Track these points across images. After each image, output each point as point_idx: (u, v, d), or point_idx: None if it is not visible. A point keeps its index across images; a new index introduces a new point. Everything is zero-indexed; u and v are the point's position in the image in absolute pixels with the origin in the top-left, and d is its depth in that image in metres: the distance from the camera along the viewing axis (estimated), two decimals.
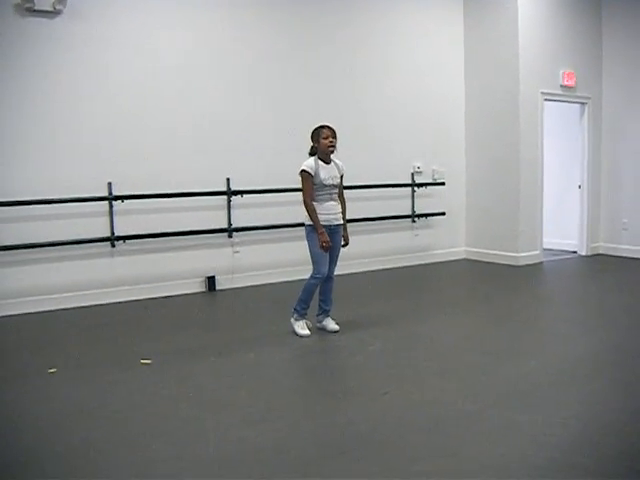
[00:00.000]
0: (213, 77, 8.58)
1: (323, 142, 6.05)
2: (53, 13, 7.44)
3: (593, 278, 9.70)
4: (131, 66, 7.99)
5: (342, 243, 6.32)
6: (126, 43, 7.94)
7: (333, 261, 6.28)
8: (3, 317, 7.21)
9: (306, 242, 6.17)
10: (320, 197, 6.05)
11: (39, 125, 7.47)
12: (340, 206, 6.26)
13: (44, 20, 7.43)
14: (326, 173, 6.04)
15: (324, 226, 6.04)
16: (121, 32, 7.91)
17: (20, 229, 7.35)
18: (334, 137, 6.08)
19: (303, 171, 6.02)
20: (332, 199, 6.14)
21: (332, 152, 6.13)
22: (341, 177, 6.24)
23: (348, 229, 6.39)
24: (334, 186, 6.12)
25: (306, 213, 6.07)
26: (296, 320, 6.30)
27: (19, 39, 7.31)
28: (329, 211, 6.10)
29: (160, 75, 8.18)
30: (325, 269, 6.14)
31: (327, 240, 5.98)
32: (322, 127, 6.13)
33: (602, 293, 8.44)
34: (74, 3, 7.54)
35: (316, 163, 6.04)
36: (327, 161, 6.12)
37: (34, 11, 7.32)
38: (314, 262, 6.14)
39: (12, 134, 7.33)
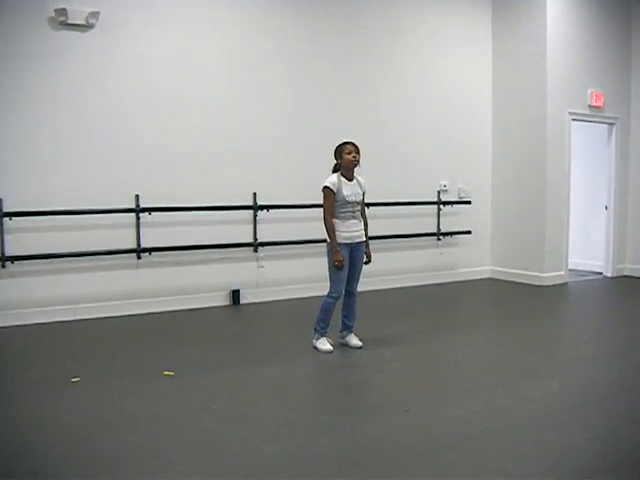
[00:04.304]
0: (241, 92, 8.67)
1: (346, 157, 6.06)
2: (86, 27, 7.58)
3: (618, 300, 9.61)
4: (160, 80, 8.10)
5: (364, 260, 6.33)
6: (155, 57, 8.07)
7: (355, 278, 6.29)
8: (28, 325, 7.31)
9: (326, 259, 6.19)
10: (342, 214, 6.06)
11: (68, 136, 7.60)
12: (362, 223, 6.27)
13: (76, 34, 7.58)
14: (349, 190, 6.05)
15: (346, 244, 6.06)
16: (151, 47, 8.04)
17: (47, 239, 7.47)
18: (357, 153, 6.10)
19: (325, 187, 6.04)
20: (354, 216, 6.14)
21: (355, 167, 6.14)
22: (363, 194, 6.25)
23: (370, 246, 6.40)
24: (357, 203, 6.13)
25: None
26: (317, 339, 6.31)
27: (52, 51, 7.46)
28: (351, 228, 6.10)
29: (188, 89, 8.29)
30: (342, 288, 6.15)
31: (340, 259, 5.97)
32: (345, 143, 6.14)
33: (626, 315, 8.36)
34: (106, 18, 7.68)
35: (339, 180, 6.06)
36: (350, 178, 6.14)
37: (67, 24, 7.46)
38: (331, 280, 6.15)
39: (41, 144, 7.46)
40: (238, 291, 8.67)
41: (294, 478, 3.62)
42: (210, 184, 8.41)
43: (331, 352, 6.18)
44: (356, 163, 6.11)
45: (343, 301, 6.32)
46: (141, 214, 7.95)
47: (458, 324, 7.66)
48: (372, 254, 6.40)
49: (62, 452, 3.95)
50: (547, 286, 10.09)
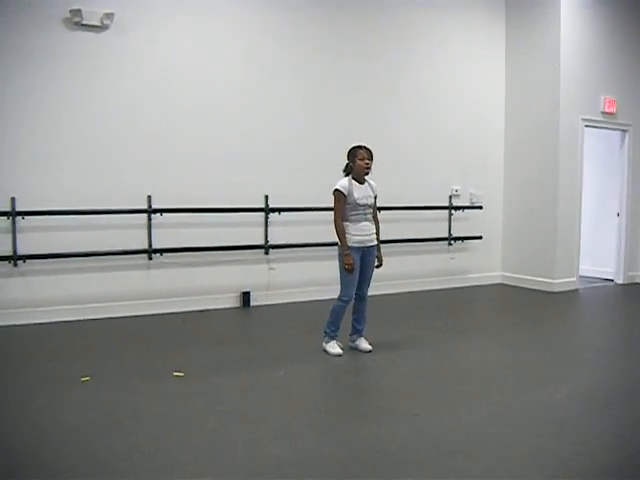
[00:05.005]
0: (253, 94, 8.68)
1: (359, 163, 6.05)
2: (100, 28, 7.62)
3: (628, 307, 9.55)
4: (172, 81, 8.13)
5: (376, 264, 6.32)
6: (169, 59, 8.10)
7: (366, 281, 6.28)
8: (39, 324, 7.34)
9: (337, 262, 6.18)
10: (354, 217, 6.05)
11: (81, 136, 7.64)
12: (374, 227, 6.26)
13: (91, 34, 7.61)
14: (360, 193, 6.04)
15: (358, 247, 6.06)
16: (165, 48, 8.08)
17: (58, 239, 7.50)
18: (370, 159, 6.09)
19: (336, 190, 6.03)
20: (366, 219, 6.12)
21: (367, 174, 6.14)
22: (375, 197, 6.24)
23: (382, 250, 6.39)
24: (368, 206, 6.12)
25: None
26: (327, 342, 6.31)
27: (66, 52, 7.50)
28: (363, 232, 6.10)
29: (201, 91, 8.32)
30: (352, 292, 6.14)
31: (351, 263, 5.96)
32: (359, 147, 6.12)
33: (636, 322, 8.33)
34: (121, 19, 7.71)
35: (350, 183, 6.06)
36: (361, 181, 6.13)
37: (82, 25, 7.50)
38: (342, 284, 6.14)
39: (55, 144, 7.50)
40: (249, 293, 8.68)
41: (301, 478, 3.63)
42: (222, 186, 8.43)
43: (341, 355, 6.17)
44: (367, 171, 6.11)
45: (353, 305, 6.32)
46: (153, 215, 7.98)
47: (467, 329, 7.65)
48: (383, 258, 6.40)
49: (68, 451, 3.97)
50: (557, 292, 10.05)
